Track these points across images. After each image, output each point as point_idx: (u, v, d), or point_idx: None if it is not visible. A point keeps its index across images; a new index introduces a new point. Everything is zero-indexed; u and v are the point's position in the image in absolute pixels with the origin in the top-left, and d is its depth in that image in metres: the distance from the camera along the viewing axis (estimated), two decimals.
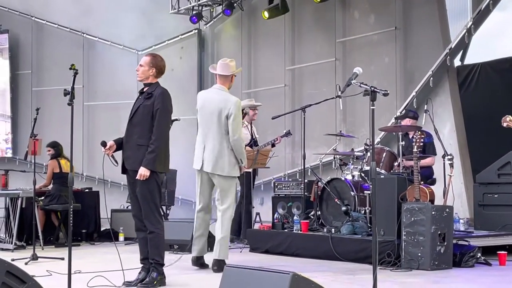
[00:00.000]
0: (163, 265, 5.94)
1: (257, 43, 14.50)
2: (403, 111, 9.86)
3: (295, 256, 7.93)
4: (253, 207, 10.25)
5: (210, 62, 15.31)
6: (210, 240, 7.20)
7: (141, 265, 6.02)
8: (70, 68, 5.66)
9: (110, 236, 9.99)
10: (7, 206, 9.52)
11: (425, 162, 8.42)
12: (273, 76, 13.98)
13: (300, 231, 8.16)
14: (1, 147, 16.53)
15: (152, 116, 5.84)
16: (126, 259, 6.84)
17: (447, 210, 6.81)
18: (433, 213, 6.63)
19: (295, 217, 8.42)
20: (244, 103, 9.59)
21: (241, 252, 8.54)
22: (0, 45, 16.59)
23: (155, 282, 5.79)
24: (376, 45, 12.24)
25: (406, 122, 8.63)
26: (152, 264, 5.86)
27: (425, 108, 8.50)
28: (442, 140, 8.35)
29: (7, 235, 9.32)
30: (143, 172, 5.73)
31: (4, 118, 16.56)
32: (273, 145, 9.58)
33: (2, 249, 8.99)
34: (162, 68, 6.09)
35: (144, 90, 6.03)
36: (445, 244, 6.66)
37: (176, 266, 6.99)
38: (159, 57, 6.14)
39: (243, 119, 9.52)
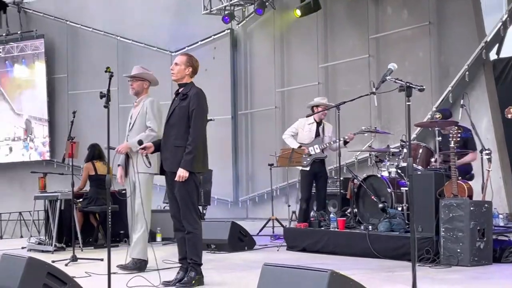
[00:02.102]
0: (201, 264, 5.96)
1: (289, 42, 14.47)
2: (436, 113, 9.42)
3: (332, 254, 7.90)
4: (289, 205, 10.24)
5: (243, 62, 15.36)
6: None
7: (179, 265, 6.06)
8: (106, 71, 5.72)
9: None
10: (46, 209, 9.64)
11: (465, 160, 8.28)
12: (306, 74, 13.94)
13: (337, 229, 8.13)
14: (43, 150, 16.79)
15: (188, 117, 5.84)
16: (164, 258, 6.90)
17: (486, 205, 6.73)
18: (471, 208, 6.55)
19: (331, 215, 8.39)
20: (316, 100, 9.51)
21: (278, 250, 8.54)
22: (36, 49, 16.86)
23: (193, 282, 5.81)
24: (410, 40, 12.13)
25: None
26: (190, 263, 5.88)
27: (462, 103, 8.37)
28: (480, 135, 8.24)
29: (47, 237, 9.44)
30: (181, 173, 5.73)
31: (42, 121, 16.83)
32: (345, 143, 9.12)
33: (43, 251, 9.11)
34: (197, 68, 6.10)
35: (180, 91, 6.03)
36: (484, 239, 6.58)
37: (213, 265, 7.02)
38: (194, 57, 6.15)
39: (312, 115, 9.31)
